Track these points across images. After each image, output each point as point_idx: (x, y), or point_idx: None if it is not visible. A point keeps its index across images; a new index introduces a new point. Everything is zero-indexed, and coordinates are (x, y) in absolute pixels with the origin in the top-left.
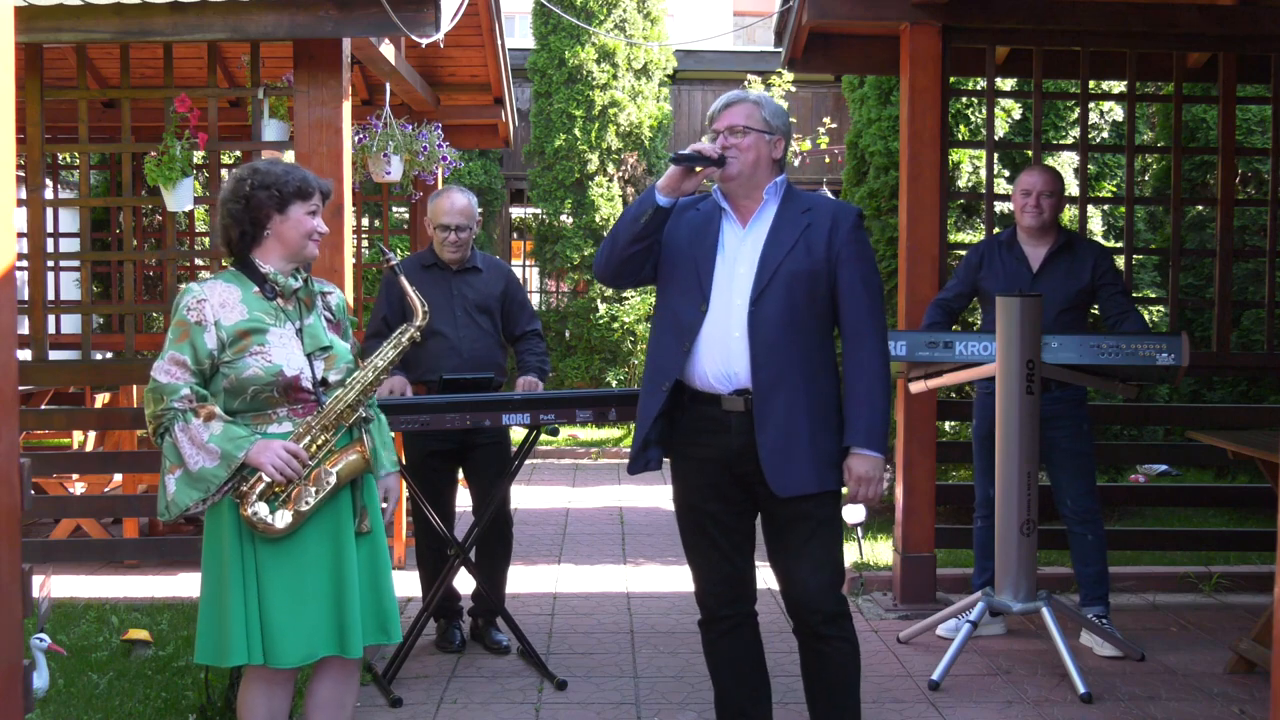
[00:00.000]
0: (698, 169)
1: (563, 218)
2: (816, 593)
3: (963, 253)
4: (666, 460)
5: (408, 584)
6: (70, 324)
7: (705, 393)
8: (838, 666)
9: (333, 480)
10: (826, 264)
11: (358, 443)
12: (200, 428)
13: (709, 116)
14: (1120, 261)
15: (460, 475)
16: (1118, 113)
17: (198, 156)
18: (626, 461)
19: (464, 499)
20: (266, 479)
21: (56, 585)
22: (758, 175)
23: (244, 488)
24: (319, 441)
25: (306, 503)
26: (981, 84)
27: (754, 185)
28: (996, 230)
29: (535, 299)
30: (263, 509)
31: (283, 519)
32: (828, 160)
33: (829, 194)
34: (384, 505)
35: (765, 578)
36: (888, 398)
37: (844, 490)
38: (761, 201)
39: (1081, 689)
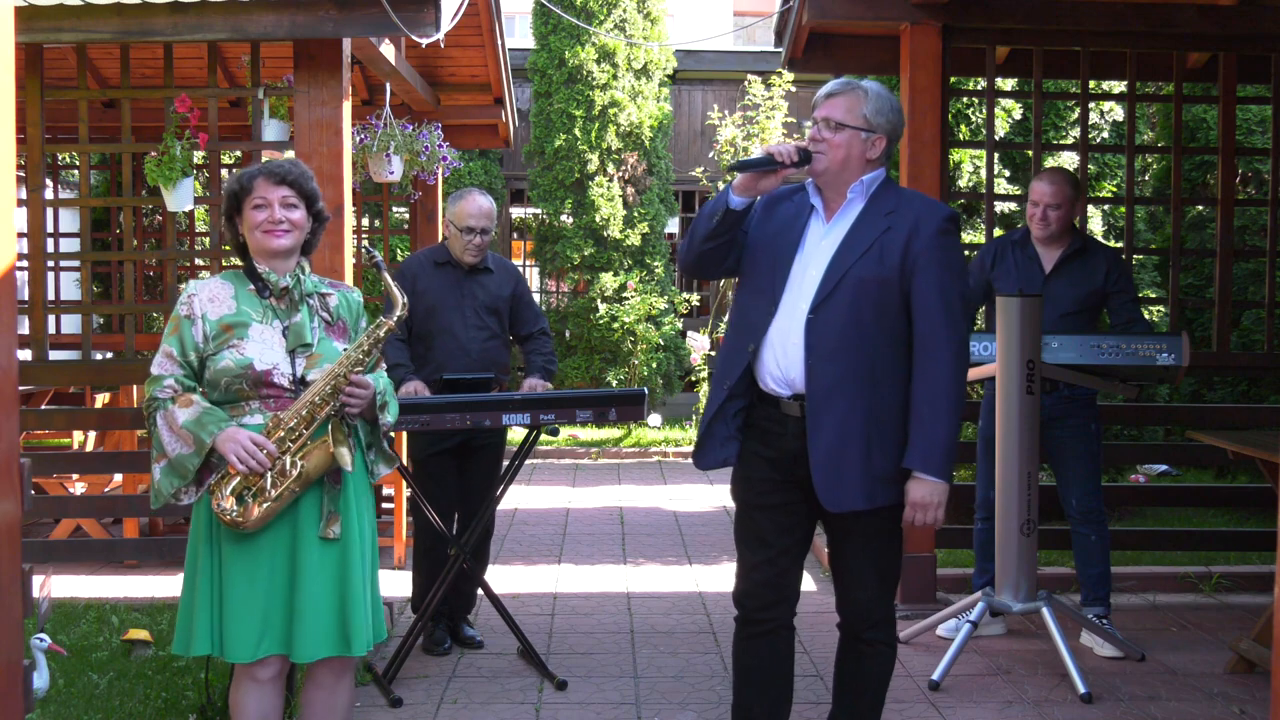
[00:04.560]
0: (778, 170)
1: (563, 218)
2: (865, 602)
3: (964, 253)
4: (664, 460)
5: (407, 584)
6: (70, 324)
7: (768, 394)
8: (875, 668)
9: (296, 473)
10: (900, 272)
11: (325, 439)
12: (176, 413)
13: (814, 102)
14: None
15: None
16: (1118, 113)
17: (198, 156)
18: (626, 461)
19: None
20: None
21: (56, 585)
22: (846, 174)
23: (213, 479)
24: (293, 435)
25: (271, 496)
26: (981, 84)
27: (842, 183)
28: (996, 230)
29: (535, 299)
30: (229, 501)
31: (249, 512)
32: None
33: None
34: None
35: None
36: (953, 417)
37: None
38: (846, 199)
39: (1082, 689)
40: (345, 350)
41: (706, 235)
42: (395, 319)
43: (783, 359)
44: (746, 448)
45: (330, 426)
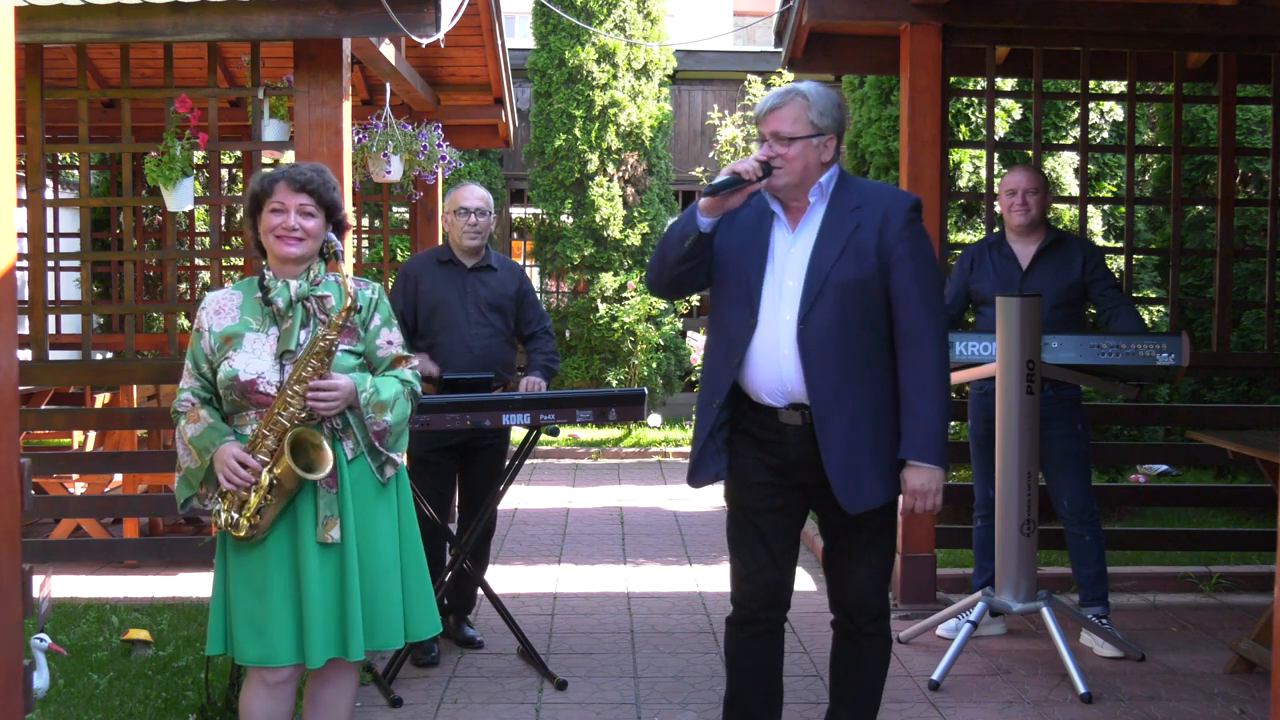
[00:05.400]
0: (745, 187)
1: (563, 218)
2: (869, 596)
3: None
4: (664, 460)
5: None
6: (70, 324)
7: (761, 404)
8: (873, 661)
9: (266, 484)
10: (878, 269)
11: (287, 446)
12: (186, 428)
13: (757, 114)
14: (1120, 261)
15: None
16: (1118, 113)
17: (198, 156)
18: (626, 461)
19: None
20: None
21: (56, 585)
22: (806, 181)
23: (216, 491)
24: (270, 445)
25: (252, 509)
26: (981, 84)
27: (803, 190)
28: (997, 230)
29: (539, 299)
30: (229, 515)
31: (242, 525)
32: None
33: None
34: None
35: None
36: (944, 404)
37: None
38: (809, 205)
39: (1082, 689)
40: (347, 356)
41: (680, 259)
42: (343, 311)
43: (775, 371)
44: (741, 455)
45: (290, 436)
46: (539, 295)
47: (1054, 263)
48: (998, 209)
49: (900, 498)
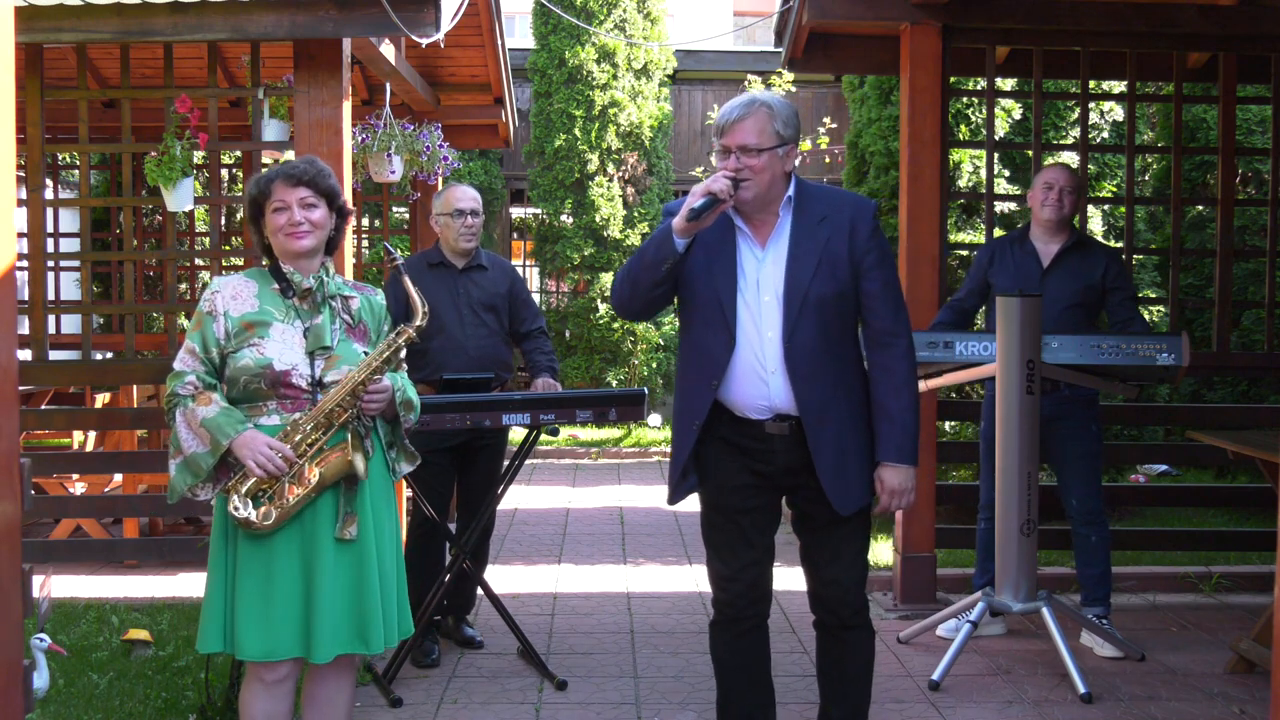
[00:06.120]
0: (719, 205)
1: (563, 218)
2: (850, 588)
3: (963, 253)
4: (664, 460)
5: None
6: (70, 324)
7: (743, 418)
8: (858, 653)
9: (315, 479)
10: (851, 278)
11: (344, 444)
12: (196, 410)
13: (718, 127)
14: None
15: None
16: (1118, 113)
17: (198, 156)
18: (626, 461)
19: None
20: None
21: (56, 585)
22: (772, 193)
23: (230, 482)
24: (309, 440)
25: (288, 501)
26: (981, 84)
27: (769, 202)
28: (996, 230)
29: (535, 299)
30: (245, 504)
31: (264, 516)
32: (828, 160)
33: None
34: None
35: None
36: (915, 405)
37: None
38: (777, 218)
39: (1082, 689)
40: (365, 357)
41: (656, 282)
42: (415, 326)
43: (761, 388)
44: (719, 460)
45: (349, 433)
46: (538, 295)
47: (1075, 264)
48: (998, 209)
49: (879, 496)
